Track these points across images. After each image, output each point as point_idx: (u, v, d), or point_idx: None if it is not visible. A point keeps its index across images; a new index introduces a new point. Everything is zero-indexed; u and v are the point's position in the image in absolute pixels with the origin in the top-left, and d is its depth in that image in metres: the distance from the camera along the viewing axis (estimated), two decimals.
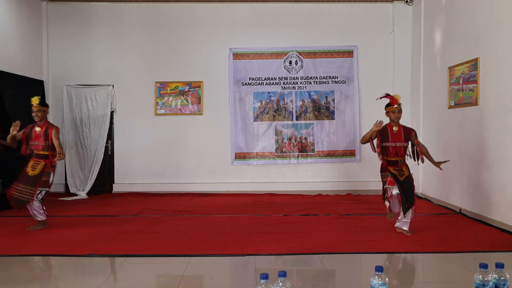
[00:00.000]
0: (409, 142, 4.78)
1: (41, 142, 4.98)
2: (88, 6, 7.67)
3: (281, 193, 7.57)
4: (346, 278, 3.62)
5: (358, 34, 7.73)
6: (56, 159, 5.06)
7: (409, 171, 4.77)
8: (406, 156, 4.79)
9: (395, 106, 4.69)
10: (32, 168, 4.94)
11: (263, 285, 1.68)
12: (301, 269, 3.81)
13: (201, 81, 7.73)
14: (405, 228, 4.67)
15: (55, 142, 4.99)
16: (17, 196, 4.85)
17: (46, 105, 5.16)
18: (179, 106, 7.76)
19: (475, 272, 1.80)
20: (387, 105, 4.78)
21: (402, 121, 4.85)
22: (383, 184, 4.81)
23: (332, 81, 7.75)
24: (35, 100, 5.00)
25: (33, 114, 5.01)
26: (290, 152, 7.77)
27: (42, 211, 5.04)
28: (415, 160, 4.82)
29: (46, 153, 5.02)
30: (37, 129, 5.01)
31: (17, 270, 3.79)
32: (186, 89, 7.74)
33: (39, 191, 4.94)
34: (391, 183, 4.66)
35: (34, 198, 4.91)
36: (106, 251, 4.11)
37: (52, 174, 5.08)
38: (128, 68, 7.70)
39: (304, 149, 7.77)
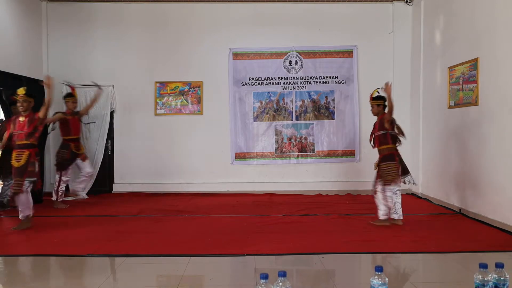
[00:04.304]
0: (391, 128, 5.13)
1: (24, 130, 4.92)
2: (88, 6, 7.67)
3: (281, 193, 7.56)
4: (346, 278, 3.62)
5: (358, 34, 7.73)
6: (47, 85, 5.03)
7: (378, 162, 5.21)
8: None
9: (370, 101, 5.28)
10: (17, 160, 4.91)
11: (263, 285, 1.68)
12: (301, 269, 3.81)
13: (201, 81, 7.73)
14: (397, 217, 5.05)
15: (44, 109, 4.97)
16: (13, 190, 4.90)
17: (32, 96, 5.16)
18: (179, 106, 7.76)
19: (475, 272, 1.80)
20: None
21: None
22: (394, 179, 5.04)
23: (332, 81, 7.75)
24: (21, 91, 4.98)
25: (18, 105, 4.99)
26: (290, 152, 7.77)
27: (30, 205, 5.01)
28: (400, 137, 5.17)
29: (29, 142, 4.96)
30: (21, 119, 4.99)
31: (17, 270, 3.79)
32: (186, 89, 7.74)
33: (27, 182, 4.92)
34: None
35: (23, 189, 4.88)
36: (106, 251, 4.12)
37: (37, 163, 5.03)
38: (128, 68, 7.70)
39: (304, 149, 7.77)
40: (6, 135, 5.10)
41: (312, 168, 7.78)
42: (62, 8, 7.66)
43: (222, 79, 7.73)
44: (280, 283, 1.69)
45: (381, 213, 5.13)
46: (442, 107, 6.45)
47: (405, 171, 5.20)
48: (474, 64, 5.51)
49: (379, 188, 5.17)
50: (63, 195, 6.52)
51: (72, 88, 6.39)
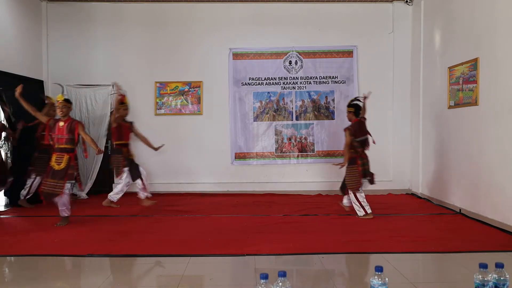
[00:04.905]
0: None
1: (65, 135, 5.22)
2: (88, 6, 7.67)
3: (281, 193, 7.57)
4: (346, 278, 3.62)
5: (358, 34, 7.73)
6: (96, 153, 5.42)
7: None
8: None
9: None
10: (57, 163, 5.19)
11: (262, 285, 1.68)
12: (301, 269, 3.81)
13: (201, 81, 7.73)
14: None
15: (86, 138, 5.33)
16: (47, 190, 5.13)
17: (70, 102, 5.48)
18: (179, 106, 7.76)
19: (475, 272, 1.80)
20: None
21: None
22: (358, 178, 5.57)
23: (332, 81, 7.75)
24: (60, 97, 5.35)
25: (58, 110, 5.30)
26: (290, 152, 7.77)
27: (69, 206, 5.30)
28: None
29: (69, 146, 5.26)
30: (61, 123, 5.25)
31: (17, 270, 3.79)
32: (186, 89, 7.74)
33: (68, 184, 5.21)
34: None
35: (63, 191, 5.15)
36: (106, 251, 4.11)
37: (75, 167, 5.32)
38: (128, 68, 7.69)
39: (304, 149, 7.76)
40: (42, 115, 5.43)
41: (312, 168, 7.78)
42: (62, 8, 7.66)
43: (222, 79, 7.73)
44: (280, 283, 1.69)
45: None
46: (442, 107, 6.45)
47: (366, 174, 5.67)
48: (474, 64, 5.51)
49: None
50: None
51: (123, 96, 6.41)
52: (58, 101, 5.33)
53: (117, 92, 6.42)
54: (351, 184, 5.62)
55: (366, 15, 7.73)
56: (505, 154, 4.89)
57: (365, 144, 5.68)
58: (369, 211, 5.56)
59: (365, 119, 5.82)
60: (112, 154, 6.52)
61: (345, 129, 5.68)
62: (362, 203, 5.58)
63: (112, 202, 6.39)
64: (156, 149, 6.68)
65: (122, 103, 6.40)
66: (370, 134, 5.76)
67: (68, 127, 5.22)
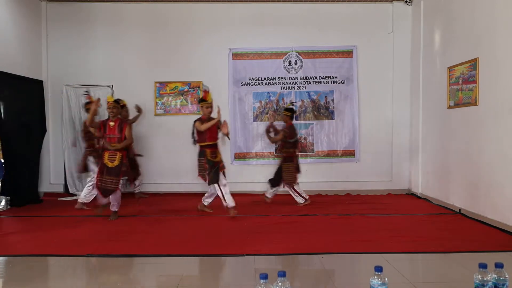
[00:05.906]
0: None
1: (116, 135, 5.45)
2: (87, 6, 7.67)
3: (281, 193, 7.55)
4: (346, 278, 3.62)
5: (358, 34, 7.73)
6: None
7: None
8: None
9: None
10: (111, 160, 5.42)
11: (262, 285, 1.68)
12: (300, 269, 3.81)
13: (200, 81, 7.73)
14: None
15: (128, 138, 5.51)
16: (104, 186, 5.36)
17: (119, 103, 5.71)
18: (178, 106, 7.76)
19: (475, 272, 1.81)
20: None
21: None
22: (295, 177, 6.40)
23: (331, 81, 7.75)
24: (110, 98, 5.64)
25: (108, 111, 5.52)
26: None
27: (120, 202, 5.58)
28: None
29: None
30: (111, 123, 5.47)
31: (17, 270, 3.79)
32: (186, 89, 7.74)
33: (122, 181, 5.49)
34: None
35: (119, 187, 5.42)
36: (106, 251, 4.11)
37: (127, 164, 5.58)
38: (127, 68, 7.69)
39: (303, 149, 7.76)
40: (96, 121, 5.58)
41: (312, 168, 7.77)
42: (62, 8, 7.65)
43: (221, 79, 7.72)
44: (280, 283, 1.70)
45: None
46: (441, 107, 6.45)
47: (298, 170, 6.49)
48: (473, 64, 5.51)
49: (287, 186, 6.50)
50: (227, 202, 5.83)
51: (206, 91, 5.99)
52: (108, 102, 5.51)
53: (201, 89, 6.28)
54: (289, 179, 6.37)
55: (366, 15, 7.73)
56: (505, 154, 4.89)
57: (297, 144, 6.55)
58: (306, 197, 6.44)
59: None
60: (197, 157, 6.00)
61: (281, 130, 6.45)
62: (301, 193, 6.44)
63: (205, 206, 6.13)
64: (225, 129, 5.78)
65: (203, 100, 5.83)
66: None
67: (119, 127, 5.45)
